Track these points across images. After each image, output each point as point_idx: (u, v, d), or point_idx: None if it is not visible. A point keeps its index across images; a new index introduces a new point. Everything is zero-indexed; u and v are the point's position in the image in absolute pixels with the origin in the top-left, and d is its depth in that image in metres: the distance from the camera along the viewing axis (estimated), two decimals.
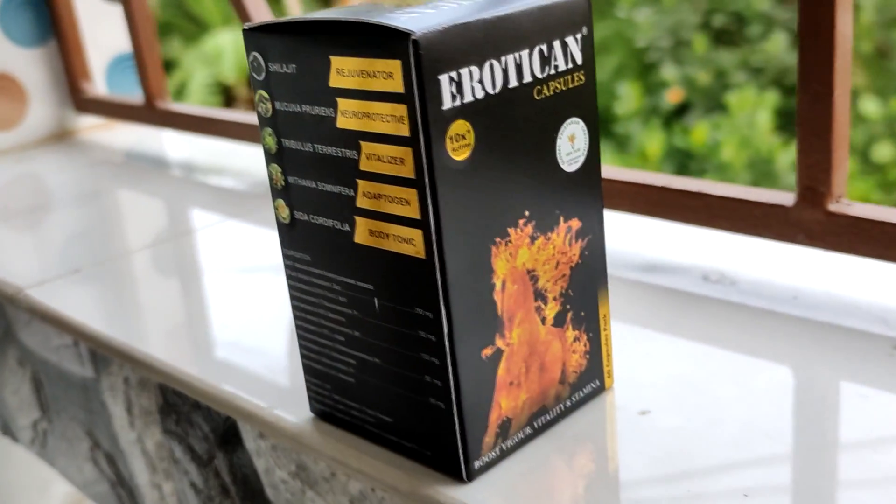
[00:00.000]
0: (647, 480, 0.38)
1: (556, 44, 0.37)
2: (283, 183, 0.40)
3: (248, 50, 0.38)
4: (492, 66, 0.35)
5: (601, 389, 0.43)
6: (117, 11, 1.06)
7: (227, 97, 3.61)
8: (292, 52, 0.36)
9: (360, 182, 0.36)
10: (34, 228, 0.78)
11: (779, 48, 2.70)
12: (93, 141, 1.05)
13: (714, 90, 2.82)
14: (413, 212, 0.35)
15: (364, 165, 0.36)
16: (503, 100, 0.35)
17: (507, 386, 0.39)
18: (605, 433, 0.41)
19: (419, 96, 0.33)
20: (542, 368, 0.40)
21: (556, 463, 0.39)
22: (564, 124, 0.38)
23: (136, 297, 0.61)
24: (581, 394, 0.42)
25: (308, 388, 0.44)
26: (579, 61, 0.38)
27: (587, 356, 0.42)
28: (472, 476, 0.38)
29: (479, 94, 0.35)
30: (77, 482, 0.70)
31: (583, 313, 0.41)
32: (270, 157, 0.40)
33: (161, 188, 0.85)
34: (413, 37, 0.32)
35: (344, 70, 0.35)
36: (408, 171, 0.34)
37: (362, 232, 0.37)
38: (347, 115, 0.35)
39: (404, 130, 0.34)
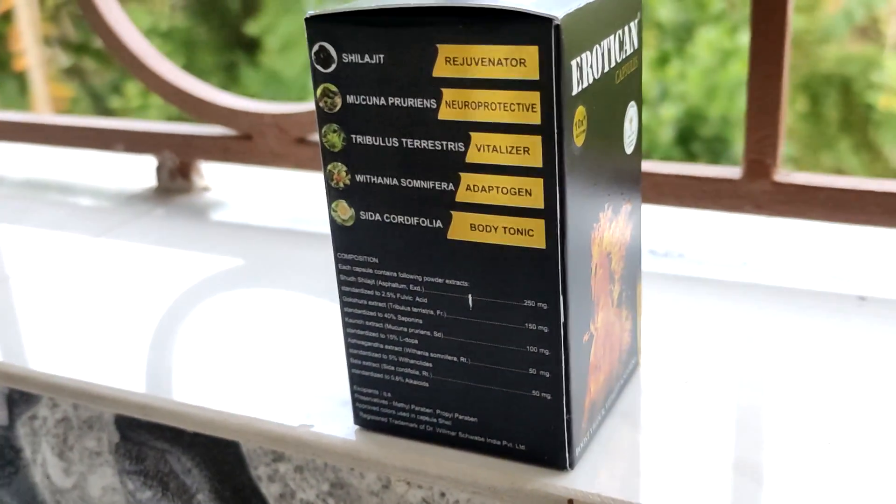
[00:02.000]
0: (722, 442, 0.39)
1: (626, 28, 0.38)
2: (346, 182, 0.37)
3: (313, 40, 0.35)
4: (597, 51, 0.35)
5: (637, 365, 0.45)
6: None
7: None
8: (382, 40, 0.34)
9: (465, 175, 0.35)
10: None
11: None
12: None
13: None
14: (535, 202, 0.34)
15: (472, 158, 0.34)
16: (600, 85, 0.36)
17: (594, 370, 0.39)
18: (662, 404, 0.42)
19: (556, 83, 0.32)
20: (611, 349, 0.41)
21: (636, 439, 0.40)
22: (628, 107, 0.39)
23: (47, 325, 0.53)
24: (627, 370, 0.43)
25: (356, 400, 0.41)
26: (636, 46, 0.39)
27: (631, 333, 0.43)
28: (573, 464, 0.38)
29: (590, 80, 0.34)
30: None
31: (629, 292, 0.42)
32: (332, 156, 0.37)
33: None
34: (556, 22, 0.31)
35: (456, 59, 0.33)
36: (534, 160, 0.33)
37: (460, 227, 0.36)
38: (455, 106, 0.34)
39: (534, 118, 0.33)
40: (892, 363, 0.44)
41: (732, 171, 0.55)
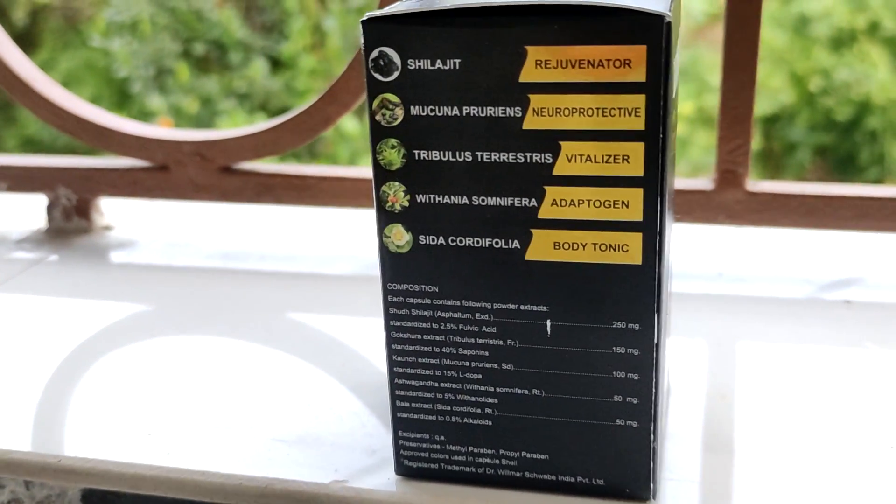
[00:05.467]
0: (778, 455, 0.38)
1: (679, 31, 0.36)
2: (404, 204, 0.33)
3: (371, 45, 0.31)
4: (678, 50, 0.33)
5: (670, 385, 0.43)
6: None
7: None
8: (459, 44, 0.31)
9: (551, 189, 0.32)
10: None
11: (260, 74, 2.75)
12: None
13: (203, 117, 2.81)
14: (633, 214, 0.31)
15: (562, 169, 0.31)
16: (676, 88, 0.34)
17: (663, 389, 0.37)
18: (707, 417, 0.41)
19: (664, 85, 0.30)
20: (666, 370, 0.39)
21: (693, 460, 0.38)
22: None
23: None
24: (668, 383, 0.42)
25: (401, 447, 0.37)
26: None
27: (669, 354, 0.41)
28: (656, 493, 0.36)
29: (677, 82, 0.32)
30: None
31: (669, 311, 0.41)
32: (388, 175, 0.33)
33: None
34: (667, 19, 0.29)
35: (549, 62, 0.30)
36: (634, 168, 0.31)
37: (542, 246, 0.33)
38: (544, 114, 0.31)
39: (638, 124, 0.30)
40: (889, 364, 0.45)
41: (704, 183, 0.55)
